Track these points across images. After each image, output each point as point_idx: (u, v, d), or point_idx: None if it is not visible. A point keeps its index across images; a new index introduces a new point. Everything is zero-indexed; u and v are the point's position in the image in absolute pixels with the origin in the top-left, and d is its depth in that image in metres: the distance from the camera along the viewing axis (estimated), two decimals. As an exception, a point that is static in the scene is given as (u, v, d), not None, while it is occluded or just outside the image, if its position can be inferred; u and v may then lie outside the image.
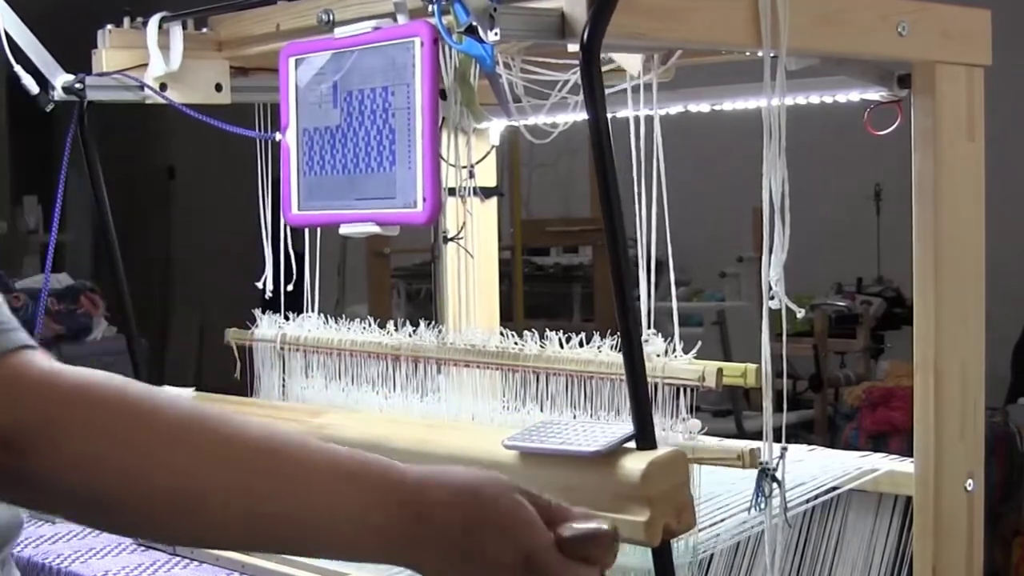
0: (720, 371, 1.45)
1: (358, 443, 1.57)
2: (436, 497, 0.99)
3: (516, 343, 1.64)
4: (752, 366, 1.45)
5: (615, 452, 1.36)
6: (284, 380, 1.92)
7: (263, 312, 1.98)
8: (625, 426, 1.40)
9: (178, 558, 1.66)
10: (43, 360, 0.95)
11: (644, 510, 1.32)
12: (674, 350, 1.48)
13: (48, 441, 0.92)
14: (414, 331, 1.76)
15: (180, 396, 1.02)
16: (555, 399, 1.59)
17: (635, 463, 1.34)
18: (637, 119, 1.56)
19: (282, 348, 1.93)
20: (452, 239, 1.83)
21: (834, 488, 1.60)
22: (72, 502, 0.96)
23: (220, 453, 0.97)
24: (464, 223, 1.79)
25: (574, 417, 1.57)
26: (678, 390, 1.47)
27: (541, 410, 1.60)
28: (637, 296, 1.52)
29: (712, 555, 1.70)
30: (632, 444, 1.37)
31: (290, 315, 1.96)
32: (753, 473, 1.47)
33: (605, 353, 1.55)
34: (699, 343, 1.53)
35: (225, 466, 0.97)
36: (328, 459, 1.00)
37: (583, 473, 1.38)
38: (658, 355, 1.48)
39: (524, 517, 1.00)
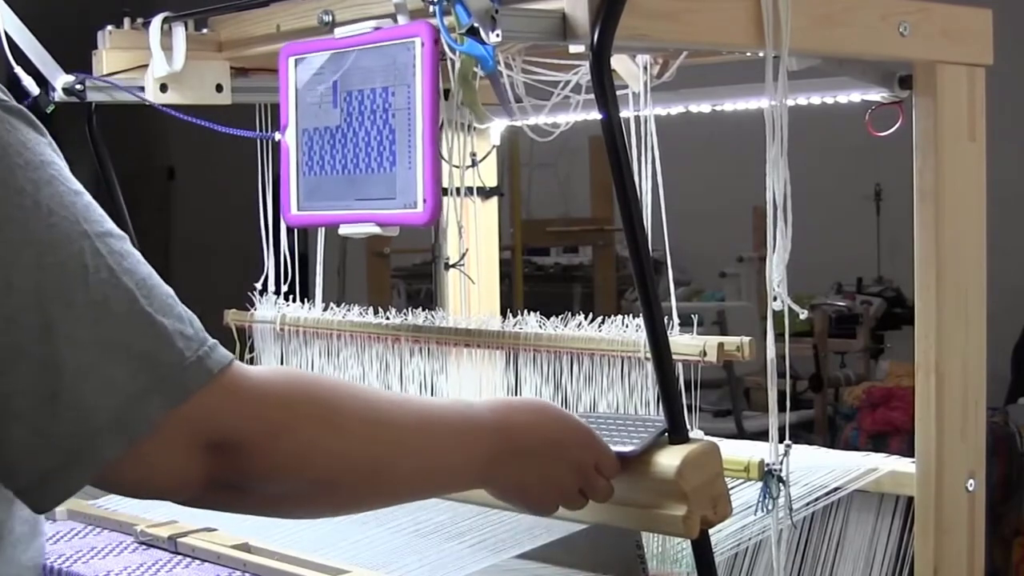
0: (721, 345, 1.51)
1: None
2: (519, 425, 1.26)
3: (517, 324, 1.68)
4: (747, 339, 1.50)
5: (649, 448, 1.37)
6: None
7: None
8: (656, 419, 1.42)
9: (180, 557, 1.66)
10: (249, 369, 1.07)
11: (681, 505, 1.34)
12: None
13: (267, 442, 1.05)
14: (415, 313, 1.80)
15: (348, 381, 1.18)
16: (558, 380, 1.62)
17: (670, 459, 1.35)
18: (637, 120, 1.57)
19: (281, 329, 1.94)
20: (453, 266, 1.84)
21: (837, 489, 1.60)
22: (283, 494, 1.10)
23: (401, 426, 1.17)
24: (464, 232, 1.79)
25: (594, 409, 1.60)
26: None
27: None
28: (635, 299, 1.53)
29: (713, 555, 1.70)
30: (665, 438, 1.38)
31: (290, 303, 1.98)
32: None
33: (606, 331, 1.58)
34: (700, 343, 1.54)
35: (406, 437, 1.17)
36: (448, 418, 1.23)
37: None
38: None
39: (588, 430, 1.32)
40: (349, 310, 1.88)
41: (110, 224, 1.05)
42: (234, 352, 2.00)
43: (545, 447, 1.28)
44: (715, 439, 1.51)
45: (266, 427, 1.05)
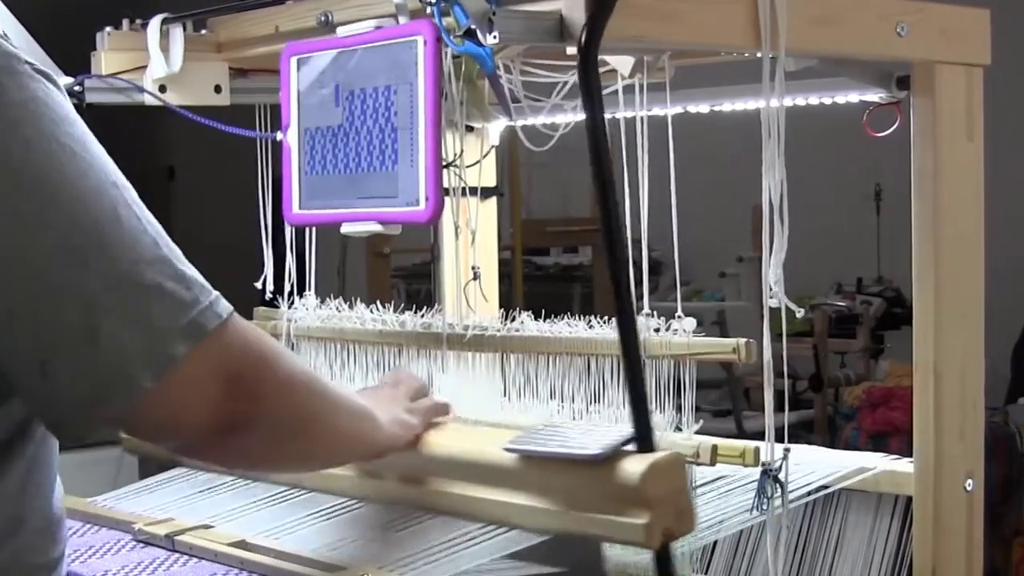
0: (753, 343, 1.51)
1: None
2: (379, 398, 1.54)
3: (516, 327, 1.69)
4: (743, 340, 1.50)
5: (615, 455, 1.36)
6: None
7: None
8: (625, 429, 1.40)
9: (177, 555, 1.66)
10: (240, 319, 1.20)
11: (644, 513, 1.32)
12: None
13: (261, 374, 1.20)
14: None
15: None
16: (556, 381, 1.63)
17: (634, 466, 1.34)
18: (633, 119, 1.57)
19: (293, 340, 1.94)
20: (476, 277, 1.84)
21: (836, 488, 1.60)
22: (273, 437, 1.24)
23: (329, 389, 1.38)
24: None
25: (573, 415, 1.59)
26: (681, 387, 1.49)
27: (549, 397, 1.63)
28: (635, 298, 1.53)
29: (712, 555, 1.70)
30: (632, 447, 1.37)
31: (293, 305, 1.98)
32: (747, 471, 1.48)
33: (597, 330, 1.59)
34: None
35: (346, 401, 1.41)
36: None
37: (583, 476, 1.38)
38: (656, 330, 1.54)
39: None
40: (352, 306, 1.88)
41: (123, 177, 1.16)
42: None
43: (382, 396, 1.56)
44: (715, 438, 1.51)
45: (259, 363, 1.20)
